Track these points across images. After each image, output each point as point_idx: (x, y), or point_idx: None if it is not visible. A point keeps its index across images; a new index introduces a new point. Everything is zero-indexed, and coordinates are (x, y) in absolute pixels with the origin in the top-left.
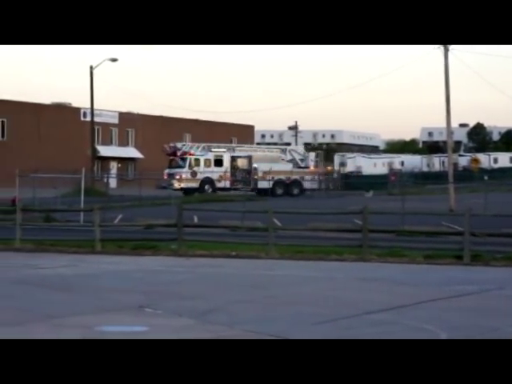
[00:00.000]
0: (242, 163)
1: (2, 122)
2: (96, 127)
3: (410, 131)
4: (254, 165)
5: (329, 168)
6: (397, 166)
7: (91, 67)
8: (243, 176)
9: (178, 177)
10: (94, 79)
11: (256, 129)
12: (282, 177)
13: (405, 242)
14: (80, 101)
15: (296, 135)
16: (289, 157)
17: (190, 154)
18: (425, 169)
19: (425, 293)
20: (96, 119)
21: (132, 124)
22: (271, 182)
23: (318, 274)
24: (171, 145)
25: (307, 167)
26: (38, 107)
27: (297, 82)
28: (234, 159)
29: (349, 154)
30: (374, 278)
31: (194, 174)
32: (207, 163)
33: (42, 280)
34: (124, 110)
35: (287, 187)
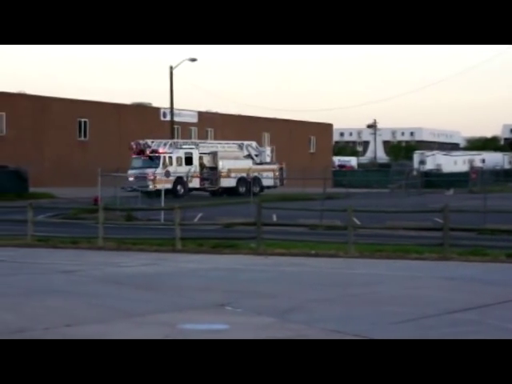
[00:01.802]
0: (207, 161)
1: (85, 122)
2: (175, 127)
3: (491, 128)
4: (219, 162)
5: (282, 163)
6: (478, 163)
7: (171, 67)
8: (209, 174)
9: (152, 177)
10: (173, 79)
11: (334, 127)
12: (244, 174)
13: (487, 241)
14: (160, 101)
15: (375, 133)
16: (245, 152)
17: (162, 152)
18: (507, 166)
19: (508, 292)
20: (176, 119)
21: (211, 123)
22: (235, 180)
23: (398, 273)
24: (140, 142)
25: (262, 163)
26: (119, 107)
27: (376, 80)
28: (200, 157)
29: (428, 152)
30: (455, 277)
31: (167, 173)
32: (179, 161)
33: (124, 278)
34: (203, 109)
35: (248, 185)
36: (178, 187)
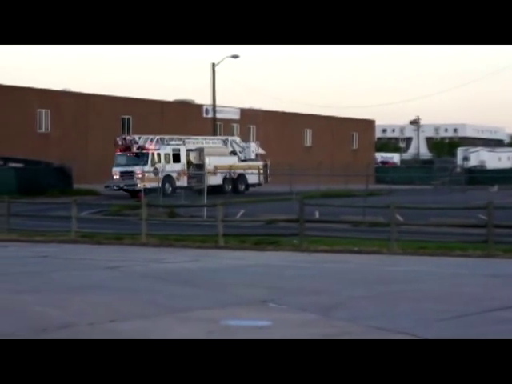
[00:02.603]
0: (193, 157)
1: (128, 119)
2: (218, 123)
3: None
4: (206, 159)
5: (267, 160)
6: None
7: (213, 64)
8: (196, 172)
9: (140, 175)
10: (215, 76)
11: (377, 123)
12: (229, 171)
13: None
14: (202, 98)
15: (418, 129)
16: (230, 148)
17: (150, 149)
18: None
19: None
20: (218, 115)
21: (253, 120)
22: (221, 178)
23: (441, 270)
24: (127, 137)
25: (246, 160)
26: (162, 104)
27: (418, 76)
28: (187, 153)
29: (472, 148)
30: (499, 275)
31: (156, 171)
32: (167, 158)
33: (167, 274)
34: (246, 106)
35: (234, 182)
36: (166, 185)
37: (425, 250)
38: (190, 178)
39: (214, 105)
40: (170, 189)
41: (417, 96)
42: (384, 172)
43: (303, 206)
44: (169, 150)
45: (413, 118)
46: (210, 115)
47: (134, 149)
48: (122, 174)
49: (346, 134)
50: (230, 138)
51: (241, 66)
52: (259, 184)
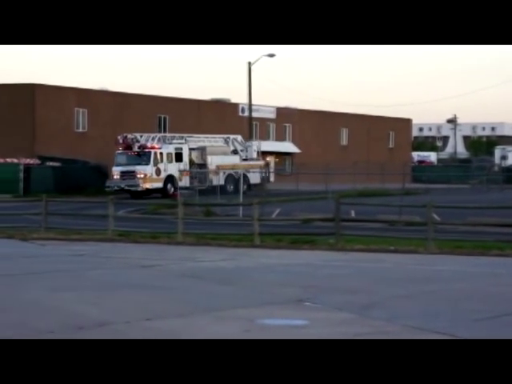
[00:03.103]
0: (195, 157)
1: (164, 118)
2: (254, 122)
3: None
4: (208, 158)
5: (268, 159)
6: None
7: (249, 63)
8: (198, 171)
9: (142, 175)
10: (252, 75)
11: (413, 122)
12: (231, 171)
13: None
14: (239, 97)
15: (455, 128)
16: (231, 147)
17: (152, 148)
18: None
19: None
20: (254, 114)
21: (289, 119)
22: (223, 178)
23: (478, 270)
24: (129, 136)
25: (248, 159)
26: (198, 103)
27: (456, 74)
28: (189, 153)
29: (510, 147)
30: None
31: (158, 171)
32: (169, 158)
33: (203, 273)
34: (281, 105)
35: (236, 183)
36: (168, 186)
37: (462, 249)
38: (192, 178)
39: (250, 103)
40: (172, 189)
41: (454, 94)
42: (421, 171)
43: (339, 204)
44: (171, 148)
45: (450, 116)
46: (246, 114)
47: (136, 147)
48: (123, 173)
49: (382, 133)
50: (231, 137)
51: (277, 64)
52: (261, 184)
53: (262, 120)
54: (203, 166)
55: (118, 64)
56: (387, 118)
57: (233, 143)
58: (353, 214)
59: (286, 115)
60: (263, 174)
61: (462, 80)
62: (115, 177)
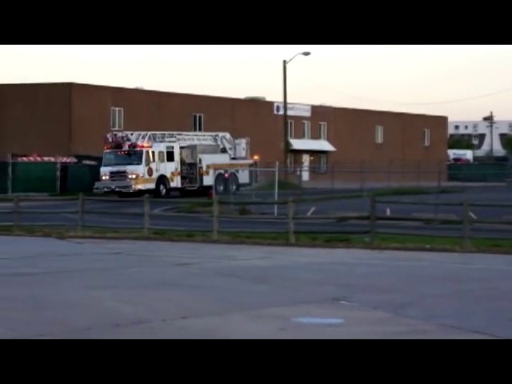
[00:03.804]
0: (186, 156)
1: (200, 116)
2: (289, 121)
3: None
4: (199, 156)
5: (255, 158)
6: None
7: (284, 62)
8: (188, 171)
9: (134, 176)
10: (287, 73)
11: (449, 120)
12: (221, 170)
13: None
14: (273, 95)
15: (491, 126)
16: (220, 145)
17: (143, 146)
18: None
19: None
20: (289, 113)
21: (324, 117)
22: (213, 178)
23: None
24: (119, 134)
25: (236, 158)
26: (233, 102)
27: (492, 72)
28: (180, 151)
29: None
30: None
31: (150, 171)
32: (161, 157)
33: (239, 271)
34: (316, 103)
35: (226, 182)
36: (161, 187)
37: (499, 247)
38: (183, 178)
39: (285, 102)
40: (164, 190)
41: (491, 92)
42: (457, 169)
43: (374, 203)
44: (162, 147)
45: (486, 114)
46: (281, 112)
47: (126, 146)
48: (113, 174)
49: (417, 131)
50: (220, 134)
51: (312, 63)
52: (249, 184)
53: (297, 118)
54: (193, 165)
55: (153, 63)
56: (423, 115)
57: (221, 141)
58: (388, 212)
59: (321, 113)
60: (249, 174)
61: (498, 77)
62: (104, 177)
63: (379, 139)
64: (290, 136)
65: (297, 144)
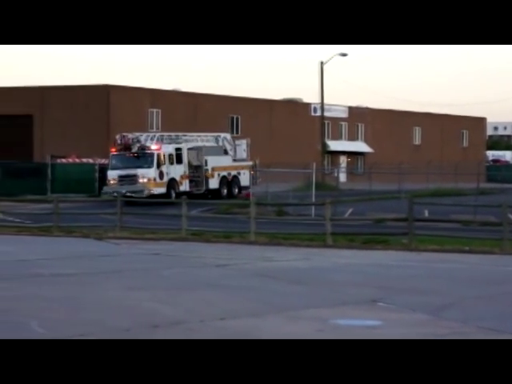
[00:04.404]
0: (193, 158)
1: (237, 118)
2: (326, 122)
3: None
4: (205, 158)
5: (255, 159)
6: None
7: (321, 63)
8: (195, 174)
9: (145, 180)
10: (324, 74)
11: (488, 121)
12: (225, 173)
13: None
14: (310, 96)
15: None
16: (222, 147)
17: (156, 149)
18: None
19: None
20: (326, 114)
21: (361, 118)
22: (218, 181)
23: None
24: (129, 135)
25: (237, 159)
26: (270, 103)
27: None
28: (188, 153)
29: None
30: None
31: (161, 174)
32: (171, 159)
33: (276, 272)
34: (353, 104)
35: (229, 185)
36: (172, 191)
37: None
38: (191, 181)
39: (322, 103)
40: (174, 195)
41: None
42: (496, 170)
43: (412, 204)
44: (171, 149)
45: None
46: (318, 114)
47: (136, 148)
48: (122, 178)
49: (455, 132)
50: (222, 135)
51: (349, 64)
52: (249, 187)
53: (334, 119)
54: (199, 167)
55: (190, 64)
56: (461, 116)
57: (223, 142)
58: (426, 213)
59: (358, 114)
60: (253, 176)
61: None
62: (112, 182)
63: (417, 140)
64: (327, 137)
65: (334, 145)
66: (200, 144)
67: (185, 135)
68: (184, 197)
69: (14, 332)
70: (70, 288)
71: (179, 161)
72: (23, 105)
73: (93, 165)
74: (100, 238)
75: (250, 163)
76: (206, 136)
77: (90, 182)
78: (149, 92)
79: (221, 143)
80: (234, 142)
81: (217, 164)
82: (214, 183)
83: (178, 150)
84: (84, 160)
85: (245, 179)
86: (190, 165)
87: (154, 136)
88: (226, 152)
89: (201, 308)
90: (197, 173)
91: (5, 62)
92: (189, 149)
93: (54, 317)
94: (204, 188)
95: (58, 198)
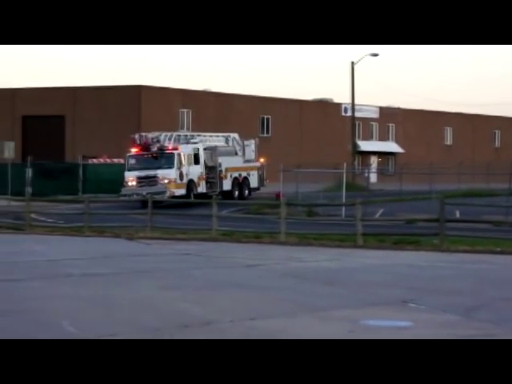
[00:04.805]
0: (207, 158)
1: (267, 118)
2: (356, 122)
3: None
4: (219, 159)
5: (261, 160)
6: None
7: (352, 63)
8: (210, 175)
9: (166, 181)
10: (354, 75)
11: None
12: (236, 174)
13: None
14: (341, 96)
15: None
16: (233, 148)
17: (175, 149)
18: None
19: None
20: (357, 114)
21: (392, 118)
22: (230, 182)
23: None
24: (149, 135)
25: (246, 160)
26: (300, 104)
27: None
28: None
29: None
30: None
31: (181, 175)
32: (189, 160)
33: (307, 273)
34: (384, 104)
35: (240, 187)
36: (191, 193)
37: None
38: (207, 182)
39: (352, 103)
40: (192, 196)
41: None
42: None
43: (444, 205)
44: (190, 149)
45: None
46: (349, 114)
47: (155, 149)
48: (141, 179)
49: (487, 132)
50: (231, 135)
51: (380, 64)
52: (258, 188)
53: (365, 120)
54: (214, 168)
55: (220, 64)
56: (492, 116)
57: (232, 142)
58: (457, 214)
59: (389, 115)
60: (261, 177)
61: None
62: (130, 183)
63: (448, 141)
64: (358, 137)
65: (364, 145)
66: (212, 144)
67: (199, 135)
68: (215, 197)
69: (46, 332)
70: (101, 288)
71: (197, 161)
72: (55, 105)
73: (123, 165)
74: (131, 238)
75: (258, 164)
76: (218, 136)
77: (121, 183)
78: (180, 92)
79: (231, 143)
80: (242, 142)
81: (229, 165)
82: (227, 184)
83: (196, 150)
84: (115, 160)
85: (254, 180)
86: (205, 165)
87: (172, 135)
88: (236, 152)
89: (231, 308)
90: (211, 174)
91: (37, 63)
92: (204, 149)
93: (84, 316)
94: (218, 189)
95: (89, 198)
